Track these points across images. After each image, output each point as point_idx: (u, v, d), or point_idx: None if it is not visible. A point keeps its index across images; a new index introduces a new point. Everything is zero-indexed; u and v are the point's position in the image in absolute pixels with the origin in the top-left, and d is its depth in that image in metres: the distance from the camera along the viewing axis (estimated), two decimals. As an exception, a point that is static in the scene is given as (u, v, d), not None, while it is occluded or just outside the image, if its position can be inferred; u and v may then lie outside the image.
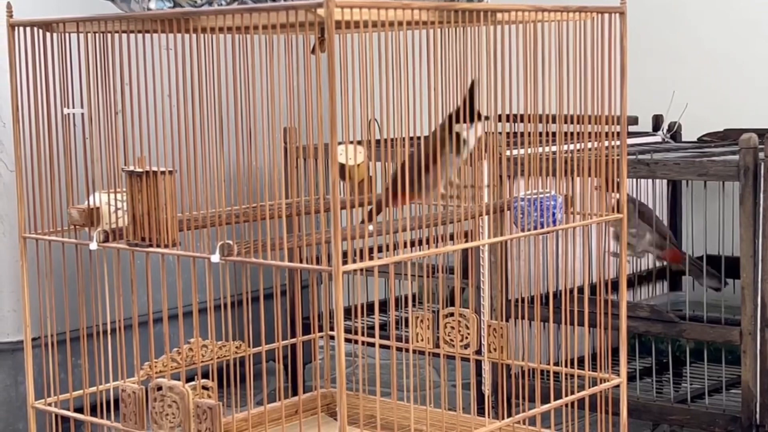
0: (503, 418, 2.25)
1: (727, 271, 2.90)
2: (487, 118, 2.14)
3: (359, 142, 2.33)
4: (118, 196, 2.12)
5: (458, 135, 2.14)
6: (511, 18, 2.06)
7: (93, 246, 2.10)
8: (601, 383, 2.28)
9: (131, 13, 2.05)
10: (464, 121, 2.14)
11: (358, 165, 2.35)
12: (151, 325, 2.12)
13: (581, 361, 2.37)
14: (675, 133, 3.43)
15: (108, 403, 2.21)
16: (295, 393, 3.18)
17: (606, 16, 2.17)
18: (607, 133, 2.19)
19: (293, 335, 2.99)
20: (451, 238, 2.28)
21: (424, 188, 2.13)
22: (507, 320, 2.82)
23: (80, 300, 2.20)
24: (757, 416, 2.57)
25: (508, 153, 2.74)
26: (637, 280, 3.22)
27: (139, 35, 2.08)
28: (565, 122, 2.20)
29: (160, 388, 2.04)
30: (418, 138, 2.09)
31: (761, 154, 2.52)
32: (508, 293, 2.88)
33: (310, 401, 2.57)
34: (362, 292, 3.25)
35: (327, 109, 1.76)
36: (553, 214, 2.17)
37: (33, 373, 2.26)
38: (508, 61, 2.06)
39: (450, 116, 2.14)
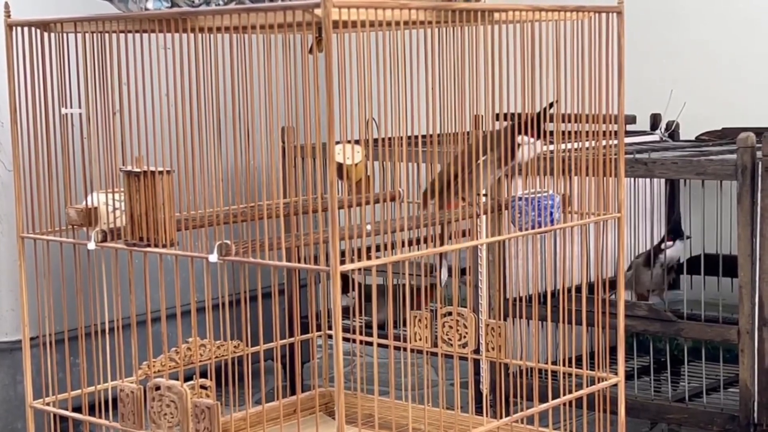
0: (501, 417, 2.25)
1: (725, 270, 2.90)
2: (551, 142, 2.15)
3: (357, 142, 2.33)
4: (116, 195, 2.12)
5: (517, 145, 2.16)
6: (508, 18, 2.06)
7: (91, 246, 2.10)
8: (599, 382, 2.28)
9: (129, 12, 2.05)
10: (532, 136, 2.16)
11: (356, 164, 2.35)
12: (149, 325, 2.12)
13: (579, 360, 2.37)
14: (673, 132, 3.43)
15: (106, 402, 2.21)
16: (293, 392, 3.18)
17: (603, 15, 2.17)
18: (604, 132, 2.19)
19: (291, 334, 2.99)
20: (450, 237, 2.28)
21: (458, 190, 2.16)
22: (505, 319, 2.82)
23: (78, 299, 2.20)
24: (755, 415, 2.57)
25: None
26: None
27: (137, 35, 2.08)
28: (563, 121, 2.20)
29: (158, 388, 2.04)
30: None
31: (759, 153, 2.52)
32: (506, 292, 2.88)
33: (309, 400, 2.57)
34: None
35: (325, 108, 1.76)
36: (551, 213, 2.17)
37: (31, 373, 2.26)
38: (505, 61, 2.07)
39: (512, 126, 2.15)
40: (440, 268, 2.33)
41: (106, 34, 2.10)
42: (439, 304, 2.48)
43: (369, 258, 1.96)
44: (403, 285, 3.07)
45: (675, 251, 3.00)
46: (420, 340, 2.47)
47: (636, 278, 3.04)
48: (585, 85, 2.16)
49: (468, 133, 2.20)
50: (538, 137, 2.17)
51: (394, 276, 2.79)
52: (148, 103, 2.06)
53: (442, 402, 2.43)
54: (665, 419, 2.73)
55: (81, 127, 2.17)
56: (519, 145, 2.16)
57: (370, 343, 2.49)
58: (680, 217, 3.03)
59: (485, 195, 2.22)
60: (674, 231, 3.03)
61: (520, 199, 2.18)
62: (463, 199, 2.18)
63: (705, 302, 2.74)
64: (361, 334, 2.58)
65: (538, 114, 2.15)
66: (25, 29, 2.16)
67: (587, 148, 2.20)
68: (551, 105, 2.13)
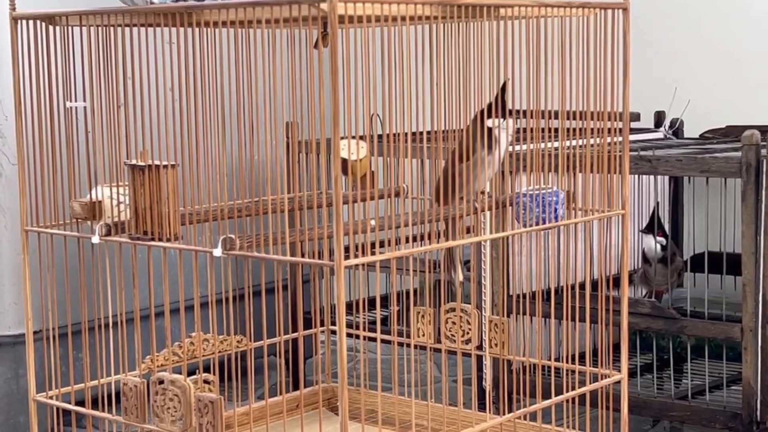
0: (504, 414, 2.25)
1: (729, 268, 2.90)
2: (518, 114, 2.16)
3: (362, 137, 2.33)
4: (121, 189, 2.12)
5: (489, 131, 2.16)
6: (514, 13, 2.06)
7: (95, 239, 2.10)
8: (602, 379, 2.28)
9: (134, 6, 2.05)
10: (496, 117, 2.16)
11: (361, 160, 2.35)
12: (153, 319, 2.12)
13: (582, 357, 2.37)
14: (677, 129, 3.42)
15: (109, 396, 2.21)
16: (296, 387, 3.17)
17: (609, 12, 2.17)
18: (609, 129, 2.19)
19: (295, 330, 2.99)
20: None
21: (460, 188, 2.16)
22: (508, 316, 2.82)
23: (82, 293, 2.20)
24: (758, 413, 2.57)
25: (510, 148, 2.74)
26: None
27: (142, 29, 2.08)
28: (568, 118, 2.20)
29: (161, 382, 2.04)
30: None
31: (763, 151, 2.52)
32: (510, 289, 2.88)
33: (312, 396, 2.57)
34: (364, 287, 3.25)
35: (329, 103, 1.76)
36: (555, 209, 2.17)
37: (34, 366, 2.26)
38: (511, 57, 2.06)
39: (481, 112, 2.15)
40: (457, 265, 2.33)
41: (111, 28, 2.10)
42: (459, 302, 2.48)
43: (373, 253, 1.96)
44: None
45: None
46: (423, 336, 2.47)
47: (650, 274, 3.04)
48: (590, 81, 2.16)
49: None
50: (505, 116, 2.18)
51: (397, 272, 2.79)
52: (153, 97, 2.06)
53: (445, 398, 2.43)
54: (668, 417, 2.73)
55: (85, 120, 2.17)
56: (491, 129, 2.17)
57: (374, 339, 2.49)
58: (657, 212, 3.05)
59: (483, 192, 2.22)
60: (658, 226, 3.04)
61: (524, 195, 2.17)
62: (461, 198, 2.18)
63: (708, 300, 2.74)
64: (364, 329, 2.58)
65: (497, 96, 2.15)
66: (30, 22, 2.16)
67: (592, 145, 2.20)
68: (504, 85, 2.13)
